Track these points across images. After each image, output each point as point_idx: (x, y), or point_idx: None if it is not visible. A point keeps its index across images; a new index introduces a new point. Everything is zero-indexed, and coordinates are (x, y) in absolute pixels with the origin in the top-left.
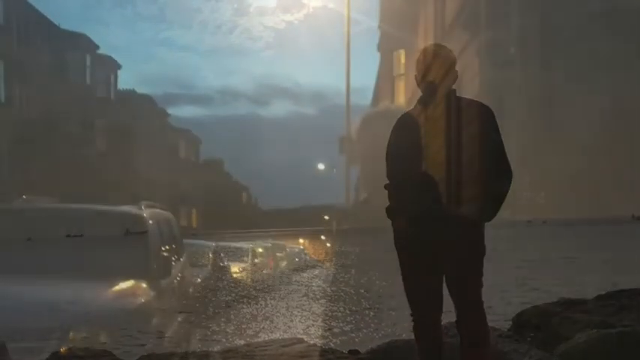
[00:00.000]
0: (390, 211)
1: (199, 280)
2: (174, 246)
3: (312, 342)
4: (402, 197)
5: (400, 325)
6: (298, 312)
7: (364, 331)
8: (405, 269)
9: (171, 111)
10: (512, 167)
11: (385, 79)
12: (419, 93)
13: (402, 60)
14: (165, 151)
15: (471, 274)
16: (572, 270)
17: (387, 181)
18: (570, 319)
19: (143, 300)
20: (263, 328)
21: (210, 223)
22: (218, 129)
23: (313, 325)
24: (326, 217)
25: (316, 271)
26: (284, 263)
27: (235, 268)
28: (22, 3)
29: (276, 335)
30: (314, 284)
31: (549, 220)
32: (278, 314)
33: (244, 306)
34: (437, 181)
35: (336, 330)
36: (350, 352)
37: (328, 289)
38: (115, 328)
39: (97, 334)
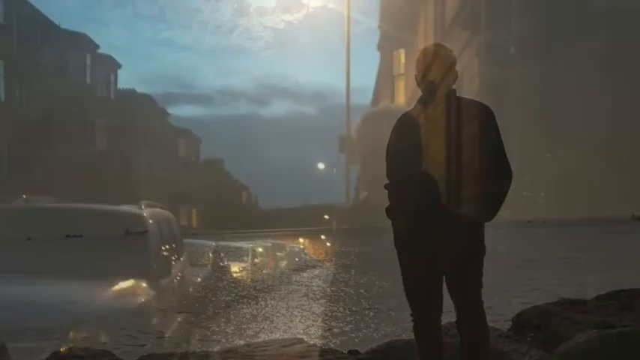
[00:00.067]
0: (389, 211)
1: (199, 279)
2: (174, 245)
3: (312, 342)
4: (401, 197)
5: (400, 325)
6: (298, 312)
7: (364, 331)
8: (405, 269)
9: (171, 110)
10: (512, 167)
11: (385, 78)
12: (419, 93)
13: (402, 60)
14: (165, 151)
15: (471, 274)
16: (572, 270)
17: (387, 181)
18: (570, 319)
19: (143, 299)
20: (263, 328)
21: (210, 222)
22: (218, 128)
23: (313, 325)
24: (326, 217)
25: (316, 271)
26: (284, 263)
27: (235, 268)
28: (22, 2)
29: (276, 335)
30: (314, 284)
31: (549, 220)
32: (278, 314)
33: (244, 306)
34: (437, 180)
35: (335, 330)
36: (350, 352)
37: (328, 289)
38: (115, 328)
39: (97, 334)
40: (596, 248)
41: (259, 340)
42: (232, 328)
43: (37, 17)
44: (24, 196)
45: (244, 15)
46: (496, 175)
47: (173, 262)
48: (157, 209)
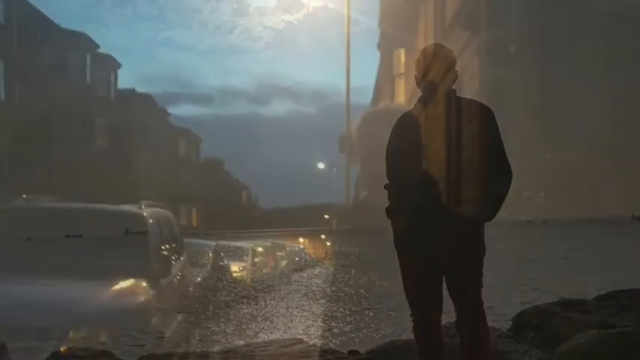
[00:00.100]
0: (389, 211)
1: (199, 279)
2: (174, 245)
3: (311, 342)
4: (401, 197)
5: (400, 325)
6: (298, 312)
7: (364, 331)
8: (405, 269)
9: (171, 110)
10: (512, 167)
11: (385, 78)
12: (419, 92)
13: (402, 59)
14: (165, 151)
15: (471, 274)
16: (572, 270)
17: (387, 181)
18: (570, 319)
19: (143, 299)
20: (263, 328)
21: (211, 222)
22: (218, 128)
23: (313, 325)
24: (326, 216)
25: (316, 271)
26: (284, 262)
27: (235, 268)
28: (22, 2)
29: (276, 335)
30: (314, 284)
31: (549, 220)
32: (278, 314)
33: (244, 306)
34: (437, 180)
35: (335, 330)
36: (350, 352)
37: (328, 290)
38: (114, 328)
39: (97, 334)
40: (596, 248)
41: (259, 340)
42: (232, 328)
43: (37, 17)
44: (24, 195)
45: (244, 15)
46: (496, 175)
47: (173, 262)
48: (157, 209)
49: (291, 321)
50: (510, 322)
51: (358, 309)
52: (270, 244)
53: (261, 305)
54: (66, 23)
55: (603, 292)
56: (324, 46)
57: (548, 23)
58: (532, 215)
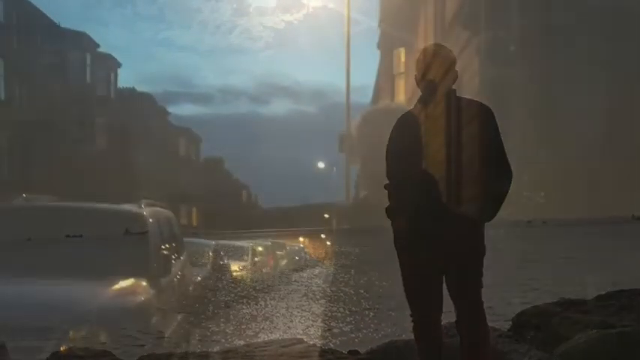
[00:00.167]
0: (389, 211)
1: (199, 278)
2: (174, 245)
3: (311, 342)
4: (401, 197)
5: (400, 326)
6: (298, 312)
7: (364, 331)
8: (404, 269)
9: (171, 109)
10: (512, 167)
11: (385, 77)
12: (419, 92)
13: (402, 58)
14: (165, 150)
15: (470, 274)
16: (572, 270)
17: (387, 180)
18: (570, 319)
19: (143, 298)
20: (263, 328)
21: (211, 221)
22: (218, 127)
23: (313, 325)
24: (326, 216)
25: (316, 271)
26: (284, 262)
27: (235, 267)
28: (22, 1)
29: (276, 335)
30: (314, 284)
31: (549, 220)
32: (278, 314)
33: (244, 306)
34: (437, 180)
35: (335, 330)
36: (350, 352)
37: (328, 290)
38: (114, 328)
39: (97, 334)
40: (596, 248)
41: (259, 340)
42: (232, 328)
43: (37, 16)
44: (24, 195)
45: (244, 15)
46: (496, 175)
47: (173, 262)
48: (157, 208)
49: (291, 321)
50: (510, 322)
51: (358, 309)
52: (270, 243)
53: (261, 305)
54: (66, 23)
55: (603, 292)
56: (324, 46)
57: (548, 22)
58: (532, 215)
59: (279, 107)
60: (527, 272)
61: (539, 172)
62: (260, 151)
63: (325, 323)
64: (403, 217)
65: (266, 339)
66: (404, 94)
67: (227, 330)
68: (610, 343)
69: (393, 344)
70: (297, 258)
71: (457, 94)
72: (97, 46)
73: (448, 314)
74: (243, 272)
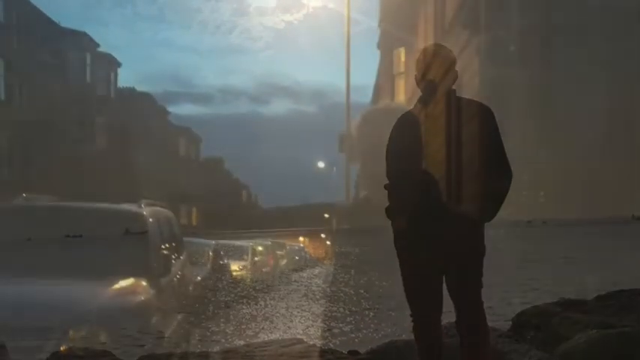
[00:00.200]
0: (389, 211)
1: (199, 278)
2: (174, 244)
3: (311, 342)
4: (401, 197)
5: (400, 326)
6: (298, 312)
7: (364, 331)
8: (404, 269)
9: (171, 109)
10: (512, 167)
11: (385, 77)
12: (419, 92)
13: (402, 58)
14: (165, 150)
15: (470, 274)
16: (572, 270)
17: (387, 180)
18: (570, 319)
19: (143, 298)
20: (263, 328)
21: (211, 221)
22: (218, 127)
23: (313, 325)
24: (326, 216)
25: (316, 271)
26: (284, 262)
27: (235, 267)
28: (22, 1)
29: (276, 336)
30: (314, 284)
31: (549, 220)
32: (278, 314)
33: (244, 306)
34: (437, 180)
35: (335, 330)
36: (349, 352)
37: (328, 290)
38: (114, 328)
39: (97, 333)
40: (596, 248)
41: (259, 340)
42: (232, 328)
43: (37, 16)
44: (24, 194)
45: (244, 15)
46: (496, 175)
47: (173, 261)
48: (157, 208)
49: (291, 321)
50: (510, 322)
51: (358, 309)
52: (270, 243)
53: (261, 305)
54: (66, 22)
55: (603, 292)
56: (324, 45)
57: (548, 22)
58: (532, 215)
59: (279, 107)
60: (527, 272)
61: (539, 172)
62: (260, 151)
63: (325, 323)
64: (403, 217)
65: (266, 339)
66: (404, 94)
67: (227, 330)
68: (610, 343)
69: (393, 344)
70: (297, 258)
71: (457, 94)
72: (97, 45)
73: (448, 314)
74: (243, 272)
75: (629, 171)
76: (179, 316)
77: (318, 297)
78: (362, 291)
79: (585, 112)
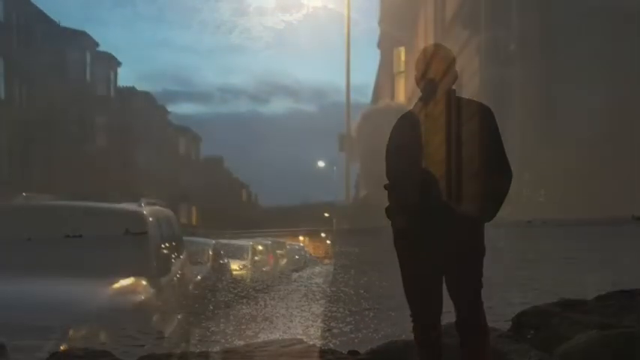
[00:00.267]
0: (389, 211)
1: (199, 278)
2: (174, 244)
3: (311, 343)
4: (401, 197)
5: (400, 326)
6: (298, 312)
7: (364, 331)
8: (404, 269)
9: (171, 108)
10: (512, 167)
11: (385, 76)
12: (419, 92)
13: (402, 57)
14: (165, 149)
15: (470, 275)
16: (572, 270)
17: (387, 180)
18: (570, 319)
19: (143, 298)
20: (263, 328)
21: (210, 220)
22: (218, 126)
23: (313, 325)
24: (326, 215)
25: (316, 271)
26: (284, 261)
27: (235, 266)
28: (22, 1)
29: (276, 336)
30: (314, 284)
31: (549, 220)
32: (278, 314)
33: (244, 306)
34: (437, 180)
35: (335, 330)
36: (349, 352)
37: (328, 290)
38: (114, 328)
39: (97, 333)
40: (596, 248)
41: (259, 340)
42: (232, 328)
43: (37, 15)
44: (24, 194)
45: (244, 15)
46: (496, 175)
47: (173, 261)
48: (157, 207)
49: (291, 321)
50: (510, 322)
51: (358, 309)
52: (270, 242)
53: (261, 305)
54: (66, 22)
55: (603, 292)
56: (324, 45)
57: (548, 21)
58: (532, 215)
59: (279, 106)
60: (527, 272)
61: (539, 172)
62: (260, 151)
63: (325, 323)
64: (403, 217)
65: (266, 339)
66: (404, 93)
67: (227, 330)
68: (610, 343)
69: (393, 344)
70: (297, 257)
71: (457, 94)
72: (97, 45)
73: (448, 314)
74: (243, 271)
75: (629, 171)
76: (179, 316)
77: (318, 297)
78: (362, 291)
79: (585, 112)
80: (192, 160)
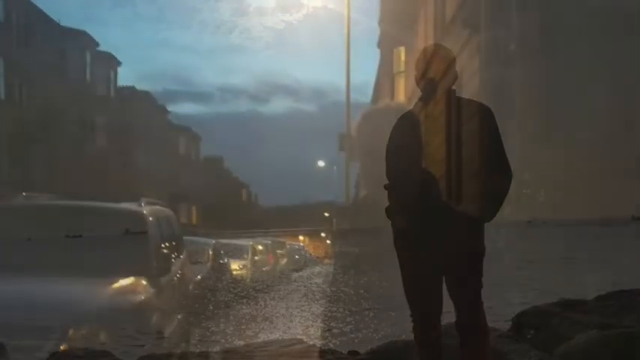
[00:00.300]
0: (389, 211)
1: (199, 278)
2: (174, 243)
3: (311, 343)
4: (401, 197)
5: (400, 326)
6: (298, 312)
7: (364, 331)
8: (404, 269)
9: (171, 108)
10: (512, 167)
11: (385, 76)
12: (419, 92)
13: (402, 57)
14: (165, 149)
15: (470, 274)
16: (572, 270)
17: (387, 180)
18: (570, 319)
19: (143, 297)
20: (263, 328)
21: (210, 220)
22: (218, 126)
23: (313, 325)
24: (326, 214)
25: (316, 271)
26: (284, 261)
27: (235, 266)
28: (22, 1)
29: (276, 336)
30: (314, 284)
31: (549, 220)
32: (278, 314)
33: (244, 306)
34: (437, 180)
35: (335, 331)
36: (349, 352)
37: (328, 290)
38: (114, 328)
39: (97, 333)
40: (596, 248)
41: (259, 340)
42: (232, 328)
43: (37, 15)
44: (24, 194)
45: (244, 15)
46: (496, 174)
47: (173, 261)
48: (157, 207)
49: (291, 321)
50: (510, 322)
51: (358, 309)
52: (270, 242)
53: (261, 305)
54: (66, 22)
55: (603, 292)
56: (324, 45)
57: (548, 21)
58: (532, 215)
59: (279, 106)
60: (527, 272)
61: (539, 172)
62: (260, 150)
63: (325, 323)
64: (403, 217)
65: (266, 339)
66: (404, 93)
67: (227, 330)
68: (610, 343)
69: (393, 344)
70: (297, 257)
71: (457, 94)
72: (97, 45)
73: (448, 314)
74: (243, 271)
75: (629, 171)
76: (179, 316)
77: (318, 297)
78: (362, 291)
79: (585, 111)
80: (192, 160)
